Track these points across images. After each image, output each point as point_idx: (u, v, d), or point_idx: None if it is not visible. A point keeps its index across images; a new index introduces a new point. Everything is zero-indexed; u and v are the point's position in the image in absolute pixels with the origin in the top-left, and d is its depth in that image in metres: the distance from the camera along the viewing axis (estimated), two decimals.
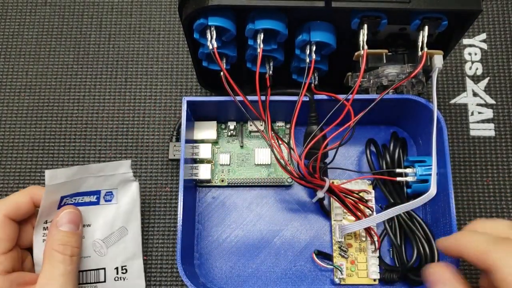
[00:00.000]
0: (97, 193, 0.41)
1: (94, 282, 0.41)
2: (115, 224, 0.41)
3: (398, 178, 0.41)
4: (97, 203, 0.41)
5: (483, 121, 0.47)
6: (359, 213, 0.40)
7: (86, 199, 0.40)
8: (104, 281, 0.41)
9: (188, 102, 0.40)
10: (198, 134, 0.44)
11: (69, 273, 0.36)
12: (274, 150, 0.37)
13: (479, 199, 0.45)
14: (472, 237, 0.30)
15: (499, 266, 0.27)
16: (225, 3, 0.34)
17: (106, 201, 0.41)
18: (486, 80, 0.49)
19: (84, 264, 0.40)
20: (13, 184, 0.46)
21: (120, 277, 0.41)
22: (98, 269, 0.41)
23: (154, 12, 0.51)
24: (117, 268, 0.41)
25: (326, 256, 0.42)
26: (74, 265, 0.37)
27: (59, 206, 0.39)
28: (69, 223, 0.38)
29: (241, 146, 0.45)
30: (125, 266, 0.42)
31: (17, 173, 0.46)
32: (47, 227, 0.39)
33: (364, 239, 0.42)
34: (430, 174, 0.39)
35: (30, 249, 0.39)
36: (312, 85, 0.40)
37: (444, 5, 0.34)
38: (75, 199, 0.40)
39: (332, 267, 0.42)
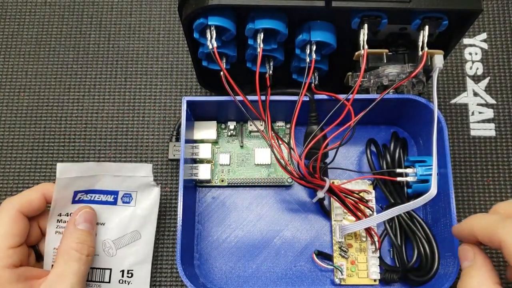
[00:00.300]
0: (114, 193, 0.41)
1: (99, 281, 0.41)
2: (129, 227, 0.41)
3: (399, 178, 0.41)
4: (114, 203, 0.41)
5: (483, 121, 0.47)
6: (360, 213, 0.40)
7: (103, 197, 0.40)
8: (109, 282, 0.41)
9: (188, 102, 0.40)
10: (198, 134, 0.44)
11: (82, 272, 0.36)
12: (274, 150, 0.37)
13: (480, 199, 0.45)
14: (483, 217, 0.32)
15: (508, 242, 0.28)
16: (225, 2, 0.34)
17: (123, 202, 0.41)
18: (486, 80, 0.48)
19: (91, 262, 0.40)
20: (12, 184, 0.46)
21: (125, 281, 0.41)
22: (104, 269, 0.41)
23: (154, 12, 0.51)
24: (123, 271, 0.41)
25: (326, 257, 0.42)
26: (87, 265, 0.37)
27: (74, 201, 0.39)
28: (85, 222, 0.38)
29: (241, 146, 0.45)
30: (132, 270, 0.41)
31: (17, 173, 0.46)
32: (62, 219, 0.39)
33: (364, 239, 0.42)
34: (430, 174, 0.39)
35: (33, 247, 0.40)
36: (312, 85, 0.40)
37: (445, 4, 0.34)
38: (91, 196, 0.40)
39: (332, 267, 0.42)
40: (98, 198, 0.40)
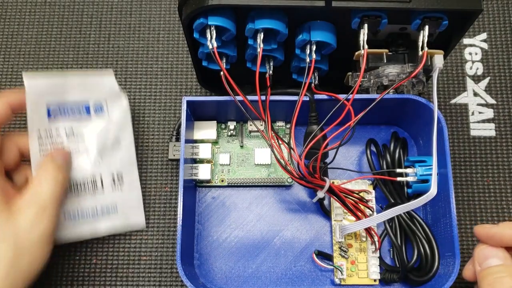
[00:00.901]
0: (85, 104, 0.42)
1: (92, 191, 0.42)
2: (108, 136, 0.43)
3: (399, 178, 0.41)
4: (88, 115, 0.42)
5: (483, 121, 0.47)
6: (360, 213, 0.40)
7: (76, 111, 0.42)
8: (102, 188, 0.42)
9: (188, 102, 0.40)
10: (198, 134, 0.44)
11: (57, 193, 0.37)
12: (274, 150, 0.37)
13: (480, 199, 0.45)
14: None
15: None
16: (225, 2, 0.34)
17: (96, 113, 0.42)
18: (486, 80, 0.48)
19: (80, 174, 0.42)
20: None
21: (117, 186, 0.43)
22: (94, 175, 0.42)
23: (154, 12, 0.51)
24: (113, 175, 0.43)
25: (326, 256, 0.42)
26: (64, 189, 0.38)
27: (49, 117, 0.40)
28: (60, 156, 0.40)
29: (241, 146, 0.45)
30: (121, 173, 0.43)
31: None
32: (42, 138, 0.40)
33: (364, 239, 0.42)
34: (430, 174, 0.39)
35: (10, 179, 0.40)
36: (313, 84, 0.40)
37: (445, 4, 0.34)
38: (65, 110, 0.41)
39: (332, 267, 0.42)
40: (71, 112, 0.41)
